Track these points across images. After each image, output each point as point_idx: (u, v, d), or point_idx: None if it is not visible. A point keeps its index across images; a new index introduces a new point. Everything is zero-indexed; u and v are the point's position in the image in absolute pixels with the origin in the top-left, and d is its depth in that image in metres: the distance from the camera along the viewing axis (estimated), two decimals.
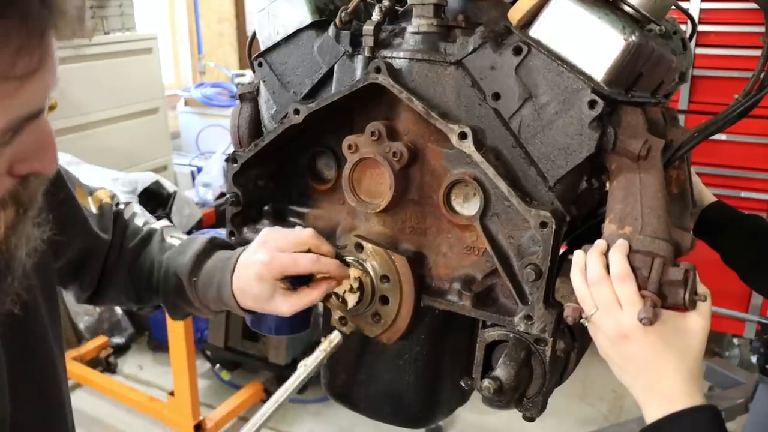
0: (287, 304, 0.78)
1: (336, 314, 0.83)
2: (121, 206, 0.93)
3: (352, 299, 0.81)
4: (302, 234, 0.80)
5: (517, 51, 0.71)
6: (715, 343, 3.03)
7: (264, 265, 0.78)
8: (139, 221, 0.92)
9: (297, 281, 0.80)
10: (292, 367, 3.39)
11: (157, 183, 2.63)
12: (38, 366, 0.71)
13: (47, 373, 0.72)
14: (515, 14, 0.72)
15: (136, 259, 0.89)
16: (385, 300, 0.81)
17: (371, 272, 0.80)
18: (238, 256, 0.82)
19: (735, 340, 2.95)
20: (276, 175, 0.92)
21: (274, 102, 0.88)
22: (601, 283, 0.66)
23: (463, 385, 0.84)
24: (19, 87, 0.47)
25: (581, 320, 0.69)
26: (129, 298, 0.91)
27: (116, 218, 0.90)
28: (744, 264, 1.03)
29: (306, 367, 0.78)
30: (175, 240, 0.90)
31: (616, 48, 0.68)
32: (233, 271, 0.81)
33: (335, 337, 0.82)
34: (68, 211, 0.80)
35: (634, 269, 0.65)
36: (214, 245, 0.87)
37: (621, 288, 0.65)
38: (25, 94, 0.47)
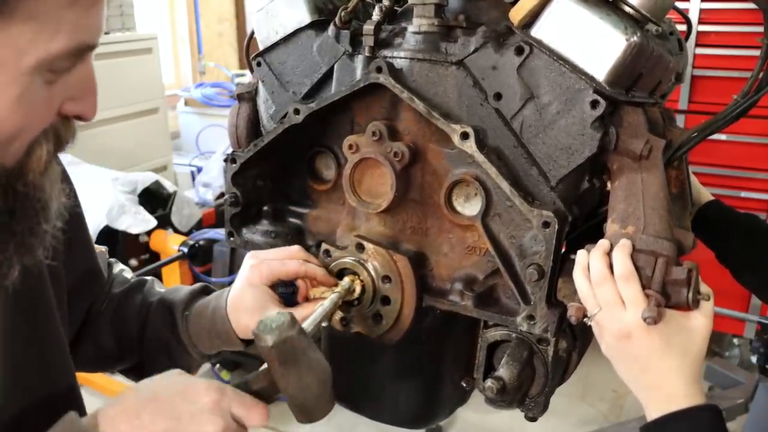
0: None
1: (337, 315, 0.83)
2: (111, 260, 0.94)
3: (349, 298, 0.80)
4: (290, 248, 0.81)
5: (519, 51, 0.71)
6: (715, 343, 3.03)
7: (253, 268, 0.79)
8: (127, 274, 0.93)
9: (288, 299, 0.81)
10: None
11: (157, 183, 2.63)
12: (46, 342, 0.70)
13: (55, 351, 0.72)
14: (516, 14, 0.72)
15: (122, 304, 0.88)
16: (386, 300, 0.80)
17: (372, 273, 0.80)
18: (230, 289, 0.83)
19: (735, 340, 2.96)
20: (275, 176, 0.91)
21: (273, 102, 0.88)
22: (605, 283, 0.66)
23: (464, 385, 0.84)
24: (92, 4, 0.52)
25: (584, 320, 0.69)
26: (107, 351, 0.88)
27: (108, 267, 0.92)
28: (738, 262, 1.03)
29: (323, 307, 0.75)
30: (164, 289, 0.92)
31: (618, 48, 0.68)
32: (227, 297, 0.81)
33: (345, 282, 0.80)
34: (77, 224, 0.79)
35: (637, 269, 0.66)
36: (207, 290, 0.89)
37: (625, 287, 0.65)
38: (92, 19, 0.52)
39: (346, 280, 0.79)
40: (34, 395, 0.67)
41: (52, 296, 0.72)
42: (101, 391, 2.67)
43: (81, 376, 0.81)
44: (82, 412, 0.75)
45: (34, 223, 0.57)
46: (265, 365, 0.63)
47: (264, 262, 0.79)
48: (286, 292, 0.81)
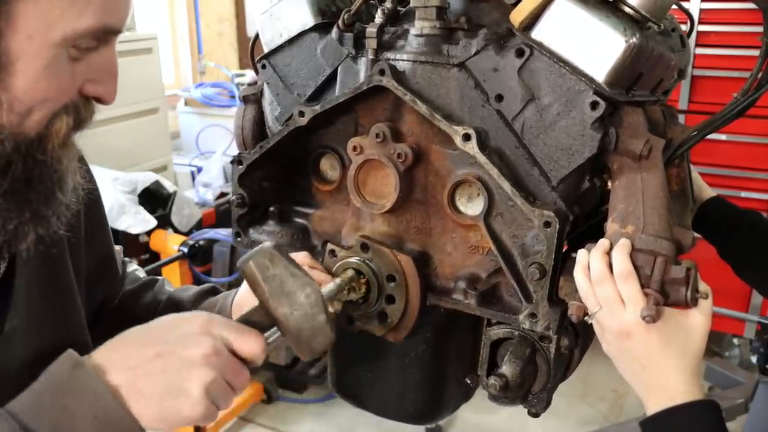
0: None
1: (342, 313, 0.84)
2: (126, 259, 0.96)
3: (354, 296, 0.81)
4: (297, 256, 0.82)
5: (520, 53, 0.72)
6: (715, 343, 3.03)
7: None
8: (139, 273, 0.95)
9: None
10: (292, 367, 3.35)
11: (157, 183, 2.62)
12: (62, 323, 0.71)
13: (73, 318, 0.73)
14: (517, 16, 0.72)
15: (133, 302, 0.89)
16: (391, 299, 0.81)
17: (377, 272, 0.81)
18: (237, 290, 0.84)
19: (735, 340, 2.95)
20: (281, 177, 0.92)
21: (278, 104, 0.89)
22: (605, 282, 0.67)
23: (468, 382, 0.84)
24: None
25: (585, 318, 0.70)
26: None
27: (122, 265, 0.93)
28: (739, 258, 1.04)
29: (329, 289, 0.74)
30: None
31: (617, 49, 0.69)
32: (233, 299, 0.83)
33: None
34: (95, 207, 0.80)
35: (636, 268, 0.66)
36: (216, 290, 0.90)
37: (624, 286, 0.66)
38: (119, 4, 0.55)
39: (350, 271, 0.79)
40: (50, 353, 0.67)
41: (71, 267, 0.73)
42: None
43: None
44: None
45: (50, 192, 0.59)
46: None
47: None
48: None
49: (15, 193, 0.56)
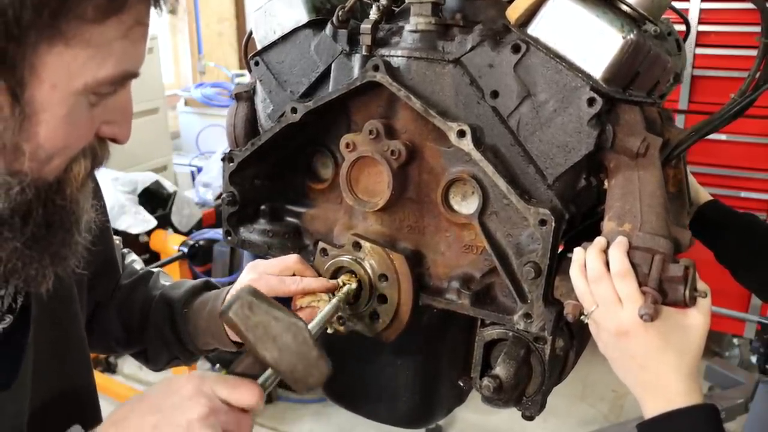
0: None
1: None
2: (124, 251, 0.97)
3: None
4: (288, 260, 0.82)
5: (516, 49, 0.71)
6: (715, 343, 3.02)
7: (253, 282, 0.79)
8: (137, 265, 0.96)
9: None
10: None
11: (157, 183, 2.63)
12: (67, 349, 0.74)
13: (77, 352, 0.75)
14: (513, 12, 0.72)
15: (128, 296, 0.91)
16: (383, 299, 0.80)
17: (369, 271, 0.80)
18: (229, 290, 0.85)
19: (735, 340, 2.95)
20: (273, 174, 0.91)
21: (271, 101, 0.88)
22: (601, 280, 0.66)
23: (462, 384, 0.83)
24: (141, 37, 0.57)
25: (581, 317, 0.69)
26: (115, 337, 0.91)
27: (121, 258, 0.95)
28: (736, 262, 1.04)
29: (324, 312, 0.74)
30: (169, 282, 0.94)
31: (614, 46, 0.68)
32: (224, 299, 0.82)
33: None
34: (104, 237, 0.82)
35: (634, 266, 0.66)
36: (209, 285, 0.90)
37: (621, 285, 0.65)
38: (138, 50, 0.57)
39: (344, 285, 0.79)
40: (55, 390, 0.70)
41: (77, 300, 0.75)
42: (101, 391, 2.68)
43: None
44: (96, 408, 0.80)
45: (69, 235, 0.61)
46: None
47: (263, 278, 0.79)
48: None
49: (36, 238, 0.58)
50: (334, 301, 0.76)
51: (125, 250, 0.97)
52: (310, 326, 0.68)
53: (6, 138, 0.52)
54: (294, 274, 0.80)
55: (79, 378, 0.76)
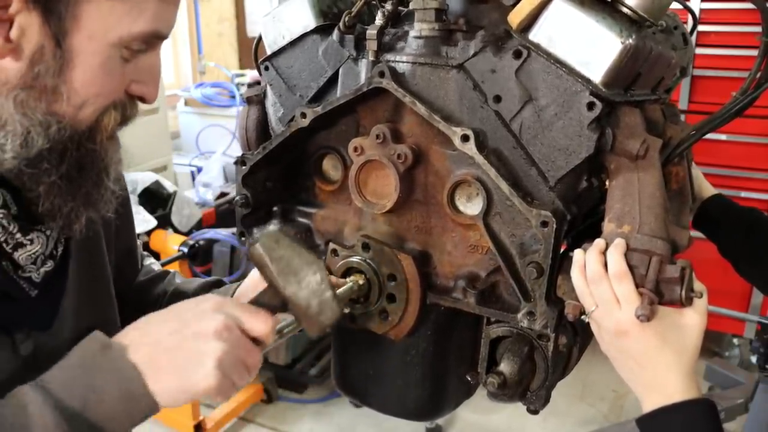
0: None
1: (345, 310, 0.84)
2: (144, 253, 1.00)
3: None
4: None
5: (517, 54, 0.72)
6: (715, 343, 3.02)
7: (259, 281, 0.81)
8: (154, 266, 0.99)
9: None
10: (292, 367, 3.35)
11: (157, 183, 2.63)
12: (100, 305, 0.78)
13: (108, 316, 0.79)
14: (515, 18, 0.73)
15: (144, 293, 0.94)
16: (392, 298, 0.82)
17: (378, 271, 0.82)
18: (239, 285, 0.87)
19: (735, 340, 2.95)
20: (284, 177, 0.93)
21: (281, 105, 0.90)
22: (600, 281, 0.68)
23: (469, 379, 0.85)
24: (172, 2, 0.61)
25: (581, 317, 0.70)
26: None
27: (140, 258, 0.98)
28: (740, 256, 1.04)
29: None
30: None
31: (613, 51, 0.69)
32: (233, 294, 0.85)
33: None
34: (124, 207, 0.86)
35: (631, 267, 0.67)
36: (221, 282, 0.93)
37: (619, 286, 0.67)
38: (169, 12, 0.61)
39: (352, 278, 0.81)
40: (90, 330, 0.72)
41: (105, 252, 0.79)
42: None
43: None
44: None
45: (99, 178, 0.66)
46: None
47: None
48: None
49: (70, 178, 0.63)
50: (350, 282, 0.78)
51: (144, 253, 1.00)
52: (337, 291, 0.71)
53: (47, 80, 0.58)
54: None
55: (109, 321, 0.80)
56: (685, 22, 1.12)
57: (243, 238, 0.93)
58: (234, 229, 0.94)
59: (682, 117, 3.00)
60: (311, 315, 0.64)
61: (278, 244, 0.63)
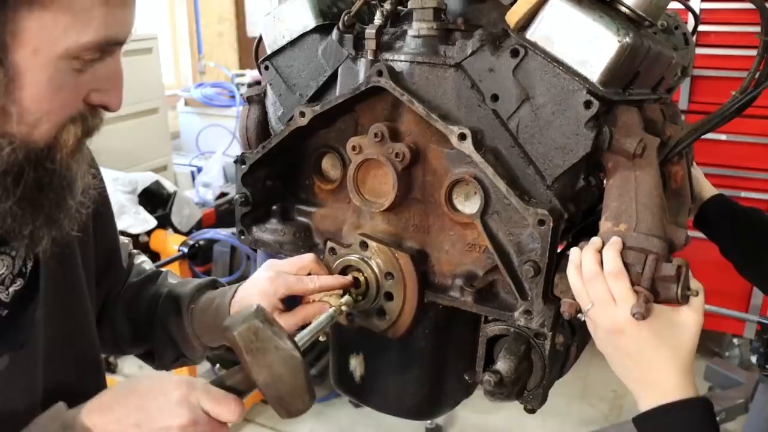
0: (284, 324, 0.79)
1: (342, 308, 0.85)
2: (134, 251, 0.98)
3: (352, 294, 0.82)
4: (304, 258, 0.84)
5: (515, 53, 0.72)
6: (715, 343, 3.02)
7: (270, 281, 0.81)
8: (146, 265, 0.97)
9: (292, 304, 0.83)
10: None
11: (157, 183, 2.63)
12: (74, 315, 0.76)
13: (82, 325, 0.77)
14: (512, 17, 0.73)
15: (137, 294, 0.92)
16: (389, 296, 0.82)
17: (376, 270, 0.82)
18: (239, 286, 0.86)
19: (735, 340, 2.94)
20: (283, 175, 0.93)
21: (281, 104, 0.90)
22: (596, 280, 0.68)
23: (467, 378, 0.85)
24: (122, 4, 0.57)
25: (578, 315, 0.70)
26: (123, 336, 0.92)
27: (129, 257, 0.96)
28: (740, 255, 1.04)
29: (318, 321, 0.76)
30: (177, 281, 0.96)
31: (610, 49, 0.69)
32: (233, 296, 0.84)
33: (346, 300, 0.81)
34: (104, 208, 0.83)
35: (627, 266, 0.67)
36: (216, 283, 0.92)
37: (614, 284, 0.67)
38: (121, 17, 0.58)
39: (346, 298, 0.80)
40: (64, 368, 0.72)
41: (82, 269, 0.77)
42: None
43: None
44: (100, 367, 0.81)
45: (61, 198, 0.63)
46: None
47: (281, 277, 0.81)
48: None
49: (28, 200, 0.60)
50: (330, 311, 0.77)
51: (135, 251, 0.98)
52: (302, 333, 0.71)
53: None
54: (310, 273, 0.82)
55: (85, 337, 0.78)
56: (687, 22, 1.12)
57: (242, 237, 0.93)
58: (234, 229, 0.94)
59: (683, 117, 2.98)
60: (282, 405, 0.64)
61: (256, 336, 0.62)
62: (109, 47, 0.59)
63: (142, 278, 0.94)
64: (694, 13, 1.14)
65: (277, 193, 0.94)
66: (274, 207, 0.93)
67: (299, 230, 0.91)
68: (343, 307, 0.79)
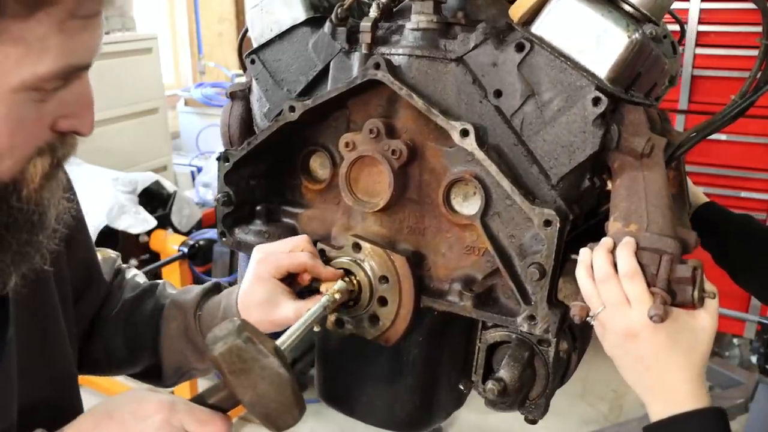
0: (294, 308, 0.76)
1: (332, 316, 0.82)
2: (123, 266, 0.94)
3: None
4: (296, 238, 0.81)
5: (520, 48, 0.71)
6: (715, 343, 3.00)
7: (261, 262, 0.78)
8: (139, 279, 0.93)
9: (302, 291, 0.79)
10: (292, 367, 3.39)
11: (157, 183, 2.63)
12: (48, 334, 0.73)
13: (56, 344, 0.74)
14: (517, 11, 0.72)
15: (134, 310, 0.88)
16: (383, 301, 0.79)
17: (369, 273, 0.79)
18: (237, 287, 0.83)
19: (735, 340, 2.96)
20: (269, 175, 0.90)
21: (267, 100, 0.87)
22: (609, 281, 0.65)
23: (462, 388, 0.82)
24: (81, 29, 0.53)
25: (588, 319, 0.68)
26: (118, 356, 0.88)
27: (117, 273, 0.92)
28: (734, 263, 1.04)
29: (311, 312, 0.73)
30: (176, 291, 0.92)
31: (620, 45, 0.68)
32: (237, 295, 0.81)
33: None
34: (77, 226, 0.80)
35: (642, 267, 0.65)
36: (219, 287, 0.88)
37: (630, 285, 0.64)
38: (81, 42, 0.54)
39: (341, 282, 0.77)
40: (38, 388, 0.69)
41: (57, 298, 0.74)
42: (102, 391, 2.67)
43: (81, 377, 0.83)
44: (78, 405, 0.79)
45: (30, 234, 0.60)
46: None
47: (272, 255, 0.78)
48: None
49: None
50: (323, 299, 0.74)
51: (124, 266, 0.94)
52: (293, 328, 0.68)
53: None
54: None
55: (59, 356, 0.75)
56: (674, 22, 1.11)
57: (224, 239, 0.89)
58: None
59: (683, 117, 2.99)
60: (270, 421, 0.61)
61: (239, 357, 0.59)
62: (71, 74, 0.55)
63: (137, 293, 0.90)
64: (680, 21, 1.14)
65: (262, 193, 0.90)
66: (259, 207, 0.89)
67: (285, 232, 0.88)
68: (337, 295, 0.75)
